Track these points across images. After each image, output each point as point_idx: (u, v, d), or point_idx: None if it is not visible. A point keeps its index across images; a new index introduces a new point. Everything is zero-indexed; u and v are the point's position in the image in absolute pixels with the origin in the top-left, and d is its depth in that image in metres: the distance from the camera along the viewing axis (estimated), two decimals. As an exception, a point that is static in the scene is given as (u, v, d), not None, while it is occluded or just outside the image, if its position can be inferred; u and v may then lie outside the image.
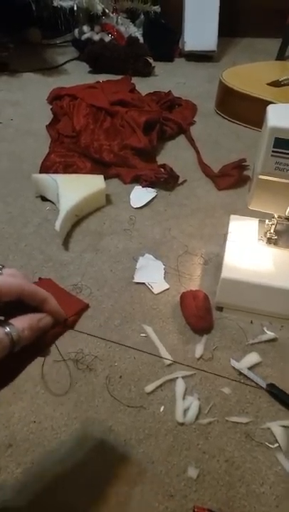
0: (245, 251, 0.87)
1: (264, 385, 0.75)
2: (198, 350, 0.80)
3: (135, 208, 1.16)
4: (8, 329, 0.33)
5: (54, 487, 0.61)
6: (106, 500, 0.59)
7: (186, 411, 0.70)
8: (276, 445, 0.67)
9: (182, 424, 0.68)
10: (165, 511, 0.59)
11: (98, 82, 1.83)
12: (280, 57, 2.19)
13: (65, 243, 1.05)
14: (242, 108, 1.57)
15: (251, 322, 0.87)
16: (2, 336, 0.32)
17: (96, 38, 2.26)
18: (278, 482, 0.64)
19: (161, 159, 1.37)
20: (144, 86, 1.86)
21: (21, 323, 0.34)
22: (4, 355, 0.32)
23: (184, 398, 0.71)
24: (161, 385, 0.74)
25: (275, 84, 1.60)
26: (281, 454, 0.66)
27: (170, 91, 1.78)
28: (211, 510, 0.58)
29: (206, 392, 0.73)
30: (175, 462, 0.64)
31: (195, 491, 0.61)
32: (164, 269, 0.98)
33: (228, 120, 1.65)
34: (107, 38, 2.24)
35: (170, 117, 1.58)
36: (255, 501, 0.61)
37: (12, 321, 0.34)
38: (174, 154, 1.42)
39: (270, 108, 0.70)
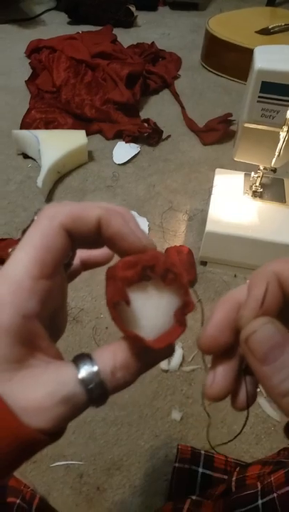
0: (230, 205, 0.87)
1: (246, 334, 0.77)
2: (183, 302, 0.81)
3: (118, 164, 1.14)
4: (84, 373, 0.19)
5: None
6: (95, 440, 0.62)
7: (170, 359, 0.72)
8: (257, 390, 0.70)
9: (166, 371, 0.71)
10: (150, 449, 0.61)
11: (78, 33, 1.73)
12: (270, 3, 2.08)
13: (48, 200, 1.03)
14: (229, 59, 1.51)
15: (235, 276, 0.88)
16: (74, 389, 0.19)
17: (75, -16, 2.11)
18: (258, 423, 0.67)
19: (144, 114, 1.33)
20: (126, 38, 1.77)
21: (111, 359, 0.20)
22: (80, 412, 0.20)
23: (168, 347, 0.73)
24: (146, 336, 0.75)
25: (265, 32, 1.53)
26: (262, 398, 0.69)
27: (153, 42, 1.70)
28: (194, 448, 0.61)
29: (190, 341, 0.75)
30: (160, 406, 0.67)
31: (179, 431, 0.64)
32: (148, 225, 0.97)
33: (214, 73, 1.59)
34: (87, -15, 2.09)
35: (153, 70, 1.52)
36: (235, 439, 0.64)
37: (97, 353, 0.21)
38: (158, 109, 1.38)
39: (257, 50, 0.66)
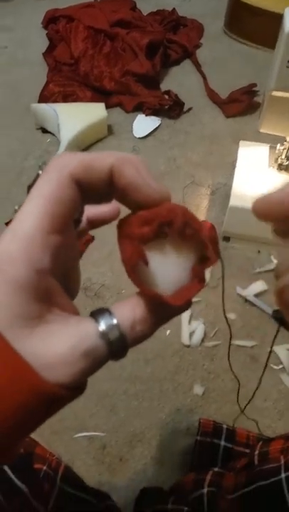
0: (255, 178, 0.84)
1: (270, 312, 0.75)
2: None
3: (138, 138, 1.11)
4: (104, 327, 0.19)
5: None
6: (117, 413, 0.63)
7: (191, 334, 0.71)
8: (280, 366, 0.70)
9: (188, 346, 0.70)
10: (172, 423, 0.62)
11: (96, 0, 1.67)
12: None
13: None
14: (255, 25, 1.44)
15: (258, 252, 0.86)
16: (95, 342, 0.19)
17: None
18: (281, 399, 0.66)
19: (165, 86, 1.29)
20: (145, 5, 1.70)
21: (130, 313, 0.20)
22: (101, 366, 0.20)
23: (189, 323, 0.73)
24: (167, 312, 0.75)
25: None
26: (285, 375, 0.69)
27: (174, 9, 1.63)
28: (216, 422, 0.61)
29: (211, 317, 0.74)
30: (182, 381, 0.67)
31: (200, 406, 0.64)
32: (170, 200, 0.95)
33: (238, 41, 1.52)
34: None
35: (174, 39, 1.46)
36: (258, 414, 0.64)
37: (115, 307, 0.20)
38: (179, 80, 1.33)
39: (288, 11, 0.62)
